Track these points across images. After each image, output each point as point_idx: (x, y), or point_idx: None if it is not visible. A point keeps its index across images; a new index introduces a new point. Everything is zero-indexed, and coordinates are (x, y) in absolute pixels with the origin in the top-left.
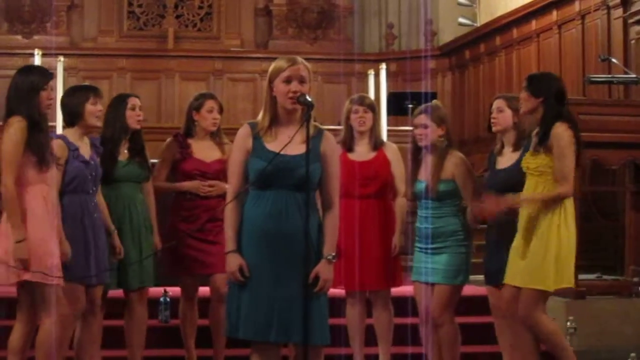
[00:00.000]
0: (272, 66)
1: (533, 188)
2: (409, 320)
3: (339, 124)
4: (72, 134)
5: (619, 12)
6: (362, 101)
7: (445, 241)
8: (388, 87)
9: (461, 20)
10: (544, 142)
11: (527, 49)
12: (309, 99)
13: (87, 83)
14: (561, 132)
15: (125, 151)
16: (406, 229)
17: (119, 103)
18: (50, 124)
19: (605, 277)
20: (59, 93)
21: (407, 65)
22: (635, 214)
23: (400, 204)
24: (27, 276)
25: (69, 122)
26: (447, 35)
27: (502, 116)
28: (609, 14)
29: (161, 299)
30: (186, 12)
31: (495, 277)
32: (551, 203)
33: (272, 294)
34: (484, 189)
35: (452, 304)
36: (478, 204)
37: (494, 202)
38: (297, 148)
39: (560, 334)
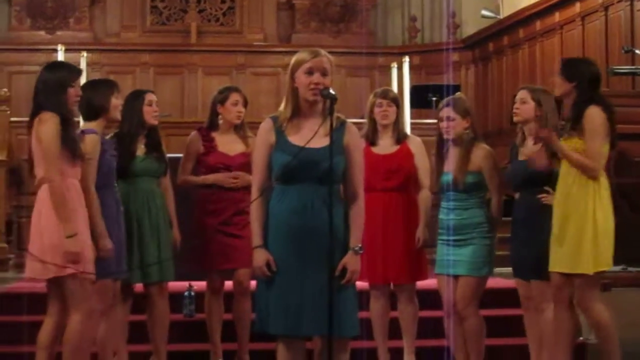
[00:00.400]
0: (295, 58)
1: (567, 172)
2: (434, 314)
3: (361, 118)
4: (96, 128)
5: None
6: (386, 95)
7: (470, 233)
8: (411, 80)
9: (484, 12)
10: (576, 125)
11: (550, 41)
12: (332, 92)
13: (110, 78)
14: (593, 113)
15: (143, 146)
16: (430, 222)
17: (135, 99)
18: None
19: (630, 269)
20: None
21: (430, 58)
22: None
23: (424, 197)
24: (69, 271)
25: (91, 116)
26: (470, 27)
27: (525, 107)
28: (632, 5)
29: (186, 293)
30: (209, 7)
31: (523, 269)
32: (578, 167)
33: (301, 288)
34: (507, 181)
35: (477, 296)
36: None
37: (541, 154)
38: (320, 141)
39: (611, 326)
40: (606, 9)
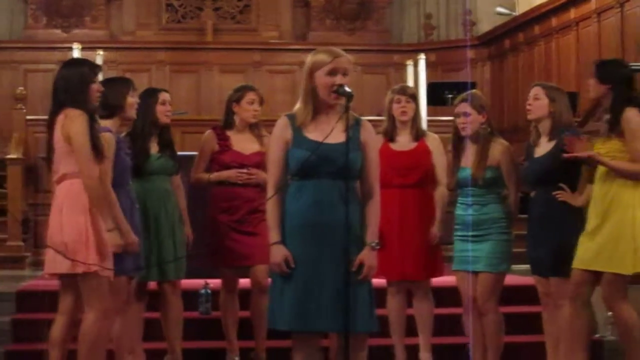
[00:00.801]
0: (314, 58)
1: (604, 174)
2: (449, 311)
3: (378, 115)
4: (111, 126)
5: None
6: (404, 91)
7: (488, 229)
8: (427, 77)
9: (499, 9)
10: (614, 127)
11: (566, 38)
12: (349, 90)
13: (126, 76)
14: (631, 115)
15: (156, 145)
16: (447, 219)
17: (149, 97)
18: None
19: None
20: None
21: (446, 55)
22: None
23: (441, 194)
24: (93, 268)
25: (107, 114)
26: (485, 25)
27: (538, 104)
28: None
29: (202, 291)
30: (224, 5)
31: (541, 267)
32: (627, 175)
33: (318, 284)
34: (523, 179)
35: (497, 292)
36: (570, 135)
37: (582, 145)
38: (337, 137)
39: (638, 327)
40: (622, 5)
